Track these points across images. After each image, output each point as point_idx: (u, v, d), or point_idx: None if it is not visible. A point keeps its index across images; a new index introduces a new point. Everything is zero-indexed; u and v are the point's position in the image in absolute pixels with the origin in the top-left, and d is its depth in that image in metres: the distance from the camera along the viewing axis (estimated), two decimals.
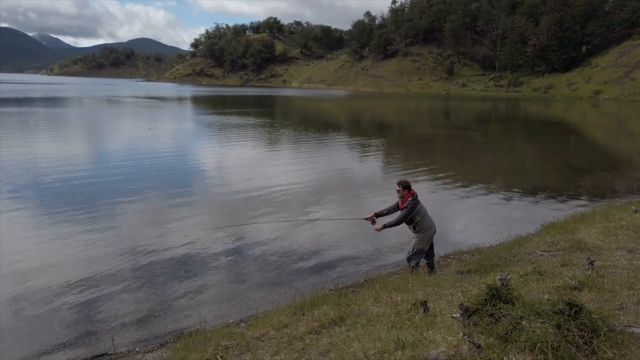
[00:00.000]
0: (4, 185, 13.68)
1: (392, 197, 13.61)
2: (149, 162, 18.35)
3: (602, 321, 3.32)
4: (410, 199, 7.04)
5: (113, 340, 5.47)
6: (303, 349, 4.43)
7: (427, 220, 7.14)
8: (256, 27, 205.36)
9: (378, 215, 7.39)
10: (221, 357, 4.76)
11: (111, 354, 5.39)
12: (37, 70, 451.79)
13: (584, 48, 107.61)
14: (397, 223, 7.08)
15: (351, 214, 11.06)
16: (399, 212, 7.18)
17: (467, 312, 3.69)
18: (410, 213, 6.98)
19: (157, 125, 32.08)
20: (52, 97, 64.79)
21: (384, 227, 7.13)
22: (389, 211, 7.41)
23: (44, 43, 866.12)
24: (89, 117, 38.63)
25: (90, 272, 8.01)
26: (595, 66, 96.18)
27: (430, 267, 7.48)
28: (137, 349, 5.83)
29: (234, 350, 4.95)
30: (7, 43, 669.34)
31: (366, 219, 7.44)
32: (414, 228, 7.13)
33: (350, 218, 9.51)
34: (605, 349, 3.10)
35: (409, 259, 7.29)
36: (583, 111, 59.26)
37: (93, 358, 5.54)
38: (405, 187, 7.12)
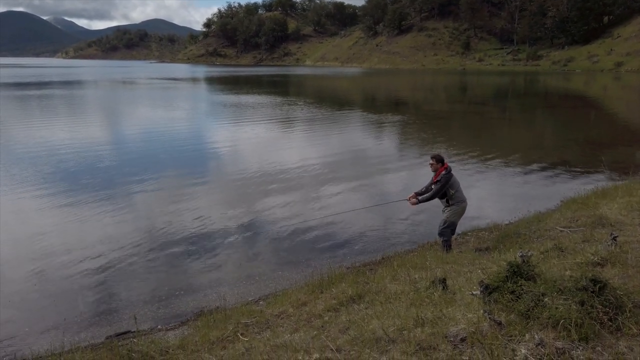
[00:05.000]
0: (28, 166, 13.90)
1: (413, 170, 13.60)
2: (167, 143, 18.47)
3: (627, 297, 3.26)
4: (443, 172, 7.09)
5: (135, 318, 5.57)
6: (322, 326, 4.45)
7: (461, 193, 7.19)
8: (268, 5, 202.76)
9: (418, 194, 7.48)
10: (241, 334, 4.81)
11: (134, 331, 5.49)
12: (52, 53, 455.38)
13: (605, 18, 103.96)
14: (432, 197, 7.15)
15: (379, 189, 11.26)
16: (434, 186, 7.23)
17: (488, 289, 3.66)
18: (444, 186, 7.03)
19: (179, 106, 32.18)
20: (70, 80, 65.29)
21: (419, 201, 7.23)
22: (427, 188, 7.50)
23: (59, 26, 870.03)
24: (107, 100, 38.89)
25: (111, 251, 8.15)
26: (617, 37, 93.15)
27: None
28: (159, 327, 5.94)
29: (254, 328, 5.00)
30: (23, 27, 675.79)
31: (409, 199, 7.55)
32: (448, 202, 7.15)
33: (394, 201, 9.46)
34: (631, 326, 3.05)
35: (440, 234, 7.30)
36: (604, 84, 57.68)
37: (116, 335, 5.66)
38: (439, 160, 7.17)
